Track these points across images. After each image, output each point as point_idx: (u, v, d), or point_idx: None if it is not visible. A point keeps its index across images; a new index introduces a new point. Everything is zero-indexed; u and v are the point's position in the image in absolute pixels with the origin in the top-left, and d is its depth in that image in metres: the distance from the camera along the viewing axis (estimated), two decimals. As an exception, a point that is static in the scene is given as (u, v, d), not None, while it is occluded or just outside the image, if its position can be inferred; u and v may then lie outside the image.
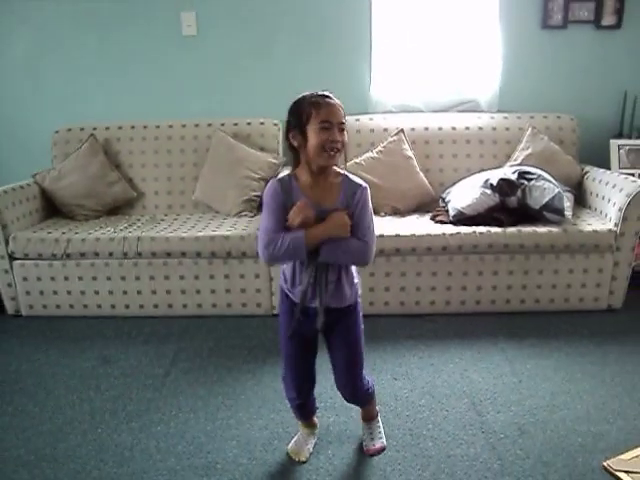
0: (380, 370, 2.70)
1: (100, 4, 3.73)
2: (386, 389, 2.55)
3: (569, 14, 3.62)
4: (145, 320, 3.25)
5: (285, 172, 1.92)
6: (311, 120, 1.76)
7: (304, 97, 1.81)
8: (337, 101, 1.80)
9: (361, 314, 2.02)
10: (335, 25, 3.68)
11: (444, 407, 2.42)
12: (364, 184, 1.86)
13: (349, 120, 3.59)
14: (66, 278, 3.21)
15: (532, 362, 2.73)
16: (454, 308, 3.17)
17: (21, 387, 2.66)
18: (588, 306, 3.17)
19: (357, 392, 2.09)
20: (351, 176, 1.88)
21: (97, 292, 3.22)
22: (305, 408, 2.18)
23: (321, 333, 1.98)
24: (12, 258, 3.22)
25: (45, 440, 2.30)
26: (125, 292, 3.22)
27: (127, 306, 3.24)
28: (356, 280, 1.97)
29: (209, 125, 3.69)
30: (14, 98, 3.94)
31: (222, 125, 3.67)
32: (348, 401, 2.14)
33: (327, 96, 1.80)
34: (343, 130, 1.78)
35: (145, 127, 3.73)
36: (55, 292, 3.24)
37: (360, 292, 2.01)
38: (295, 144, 1.82)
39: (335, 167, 1.86)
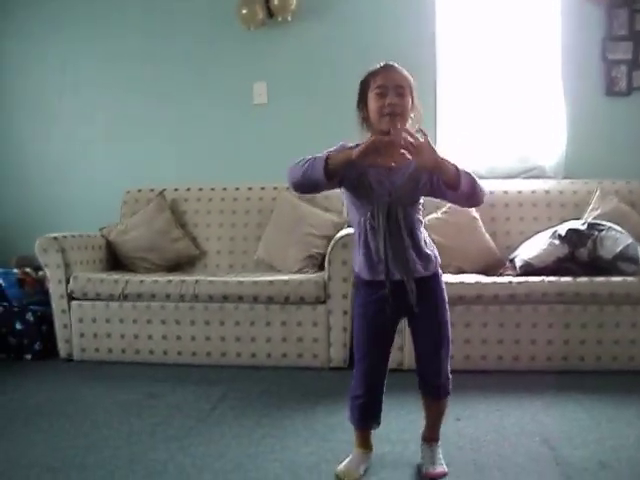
0: (441, 413, 2.48)
1: (179, 74, 4.01)
2: (448, 428, 2.26)
3: (633, 81, 3.62)
4: (196, 368, 3.14)
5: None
6: (370, 88, 1.82)
7: (367, 72, 1.86)
8: (399, 68, 1.83)
9: (444, 287, 1.91)
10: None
11: (512, 443, 2.17)
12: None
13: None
14: (121, 320, 3.18)
15: (612, 411, 2.44)
16: (523, 364, 2.93)
17: (61, 411, 2.58)
18: (673, 364, 2.88)
19: (441, 374, 1.93)
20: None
21: (150, 336, 3.16)
22: (369, 410, 1.97)
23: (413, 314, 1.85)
24: (71, 298, 3.24)
25: (76, 452, 2.17)
26: (179, 337, 3.14)
27: (179, 352, 3.16)
28: (433, 246, 1.89)
29: (275, 188, 3.75)
30: (93, 159, 4.18)
31: (287, 189, 3.71)
32: (431, 388, 1.96)
33: (387, 64, 1.84)
34: (403, 95, 1.79)
35: (213, 189, 3.84)
36: (109, 335, 3.20)
37: (440, 262, 1.92)
38: (362, 116, 1.87)
39: None
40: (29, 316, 3.30)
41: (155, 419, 2.47)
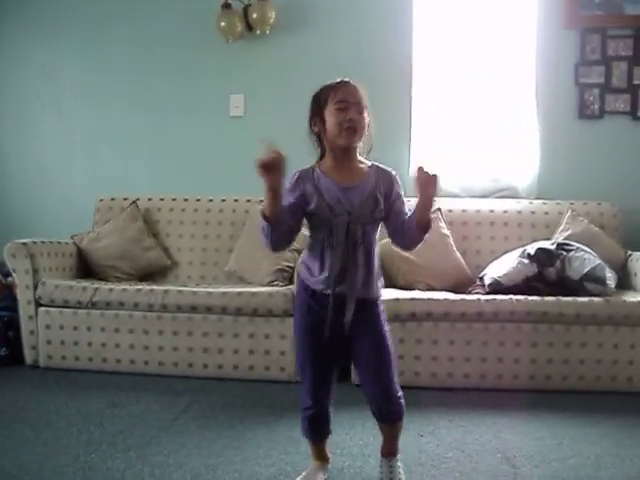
0: (405, 428, 2.35)
1: (157, 84, 4.02)
2: (410, 443, 2.28)
3: (605, 105, 3.69)
4: (163, 378, 3.10)
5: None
6: (328, 102, 1.82)
7: (323, 86, 1.87)
8: (357, 85, 1.84)
9: (385, 312, 1.90)
10: (377, 109, 3.78)
11: (473, 460, 2.16)
12: (391, 170, 1.90)
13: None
14: (89, 328, 3.15)
15: (575, 429, 2.45)
16: (490, 383, 2.93)
17: (23, 418, 2.54)
18: (637, 387, 2.89)
19: (392, 399, 1.88)
20: (379, 164, 1.90)
21: (118, 345, 3.13)
22: (319, 421, 1.95)
23: (345, 333, 1.83)
24: (38, 304, 3.20)
25: (34, 459, 2.13)
26: (146, 347, 3.11)
27: (146, 362, 3.12)
28: (379, 274, 1.89)
29: (248, 201, 3.75)
30: (66, 165, 4.17)
31: (261, 201, 3.70)
32: (379, 413, 1.92)
33: (344, 79, 1.85)
34: (362, 112, 1.80)
35: (186, 199, 3.83)
36: (76, 343, 3.16)
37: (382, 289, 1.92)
38: (316, 130, 1.86)
39: (361, 157, 1.88)
40: (-5, 321, 3.25)
41: (116, 428, 2.43)
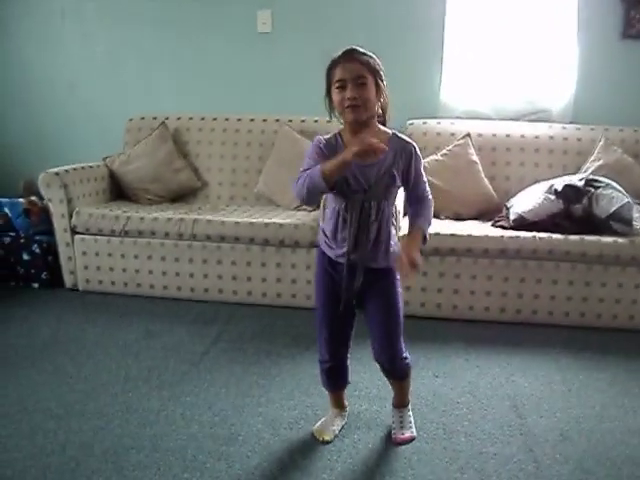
0: (422, 367, 2.58)
1: (179, 2, 3.90)
2: (426, 385, 2.44)
3: (652, 24, 3.47)
4: (195, 303, 3.28)
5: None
6: (332, 81, 1.81)
7: (333, 58, 1.83)
8: (360, 55, 1.80)
9: (399, 279, 1.95)
10: (408, 26, 3.67)
11: (483, 406, 2.29)
12: (411, 142, 1.87)
13: (416, 123, 3.55)
14: (122, 255, 3.29)
15: (586, 373, 2.55)
16: (509, 316, 3.02)
17: (64, 350, 2.73)
18: (656, 325, 2.96)
19: (396, 359, 2.00)
20: (400, 134, 1.88)
21: (151, 272, 3.28)
22: (336, 374, 2.10)
23: (357, 298, 1.93)
24: (74, 232, 3.34)
25: (77, 397, 2.33)
26: (178, 274, 3.26)
27: (179, 288, 3.28)
28: (393, 242, 1.92)
29: (277, 120, 3.73)
30: (95, 85, 4.15)
31: (289, 121, 3.69)
32: (386, 371, 2.05)
33: (348, 51, 1.81)
34: (363, 84, 1.76)
35: (215, 119, 3.82)
36: (111, 268, 3.32)
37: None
38: (330, 106, 1.86)
39: (379, 125, 1.87)
40: (35, 247, 3.41)
41: (151, 362, 2.62)
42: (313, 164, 1.81)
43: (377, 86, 1.80)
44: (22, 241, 3.43)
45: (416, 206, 1.91)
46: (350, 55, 1.79)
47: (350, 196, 1.82)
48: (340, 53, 1.81)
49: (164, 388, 2.41)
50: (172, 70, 4.02)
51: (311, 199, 1.85)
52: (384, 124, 1.89)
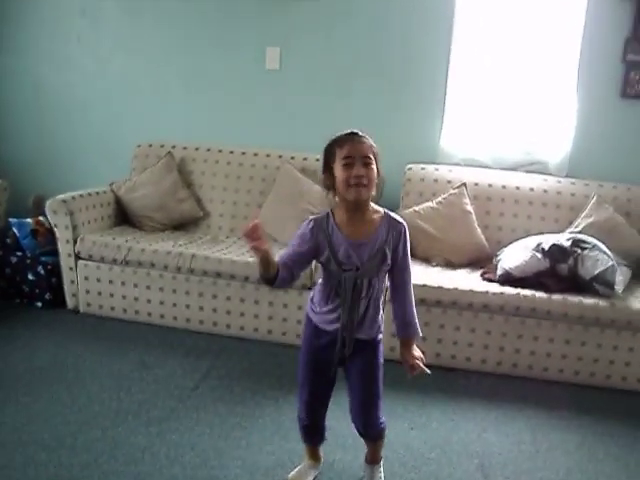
0: (399, 417, 2.70)
1: (194, 33, 4.02)
2: (400, 437, 2.55)
3: (651, 85, 3.55)
4: (189, 334, 3.39)
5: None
6: (336, 158, 1.88)
7: (333, 138, 1.92)
8: (364, 137, 1.90)
9: (382, 350, 2.08)
10: (412, 73, 3.78)
11: (452, 464, 2.40)
12: (401, 221, 1.97)
13: (414, 168, 3.64)
14: (123, 283, 3.41)
15: (556, 434, 2.65)
16: (489, 367, 3.11)
17: (62, 378, 2.86)
18: (631, 386, 3.03)
19: (371, 425, 2.12)
20: (391, 214, 1.98)
21: (149, 300, 3.40)
22: (313, 432, 2.23)
23: (340, 365, 2.05)
24: (78, 257, 3.46)
25: (69, 429, 2.46)
26: (175, 304, 3.38)
27: (175, 318, 3.40)
28: (380, 315, 2.03)
29: (280, 157, 3.84)
30: (106, 109, 4.28)
31: (292, 158, 3.81)
32: (360, 433, 2.16)
33: (352, 133, 1.90)
34: (369, 165, 1.86)
35: (220, 151, 3.93)
36: (111, 294, 3.45)
37: (382, 330, 2.08)
38: (328, 183, 1.94)
39: (372, 204, 1.95)
40: (40, 269, 3.53)
41: (142, 396, 2.75)
42: (296, 245, 1.94)
43: (377, 170, 1.90)
44: (28, 261, 3.56)
45: (402, 295, 2.01)
46: (357, 136, 1.88)
47: (342, 274, 1.91)
48: (344, 134, 1.90)
49: (152, 424, 2.53)
50: (182, 98, 4.14)
51: (272, 287, 2.04)
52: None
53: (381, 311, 2.04)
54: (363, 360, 2.03)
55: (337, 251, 1.91)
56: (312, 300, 2.06)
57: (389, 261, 1.93)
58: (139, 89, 4.20)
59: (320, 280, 2.05)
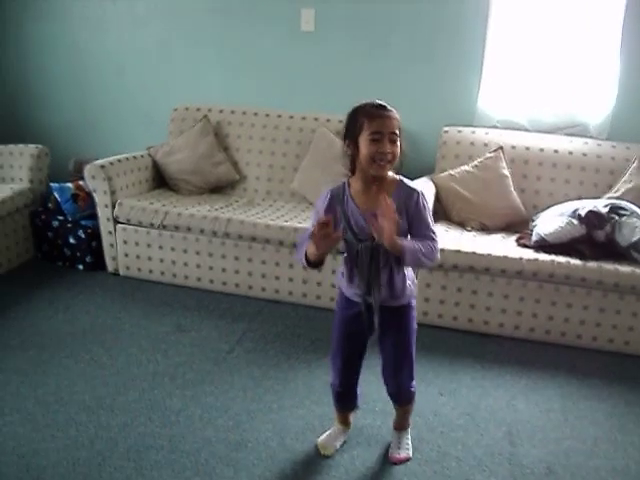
0: (429, 383, 2.74)
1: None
2: (429, 403, 2.59)
3: (700, 43, 3.37)
4: (225, 296, 3.47)
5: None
6: (363, 131, 1.86)
7: (359, 107, 1.91)
8: (392, 112, 1.88)
9: (414, 315, 2.10)
10: (449, 33, 3.67)
11: (480, 430, 2.43)
12: (419, 189, 1.95)
13: (451, 131, 3.59)
14: (160, 247, 3.49)
15: (586, 403, 2.65)
16: (522, 334, 3.11)
17: (101, 340, 2.97)
18: (667, 355, 3.01)
19: (401, 389, 2.18)
20: (406, 181, 1.97)
21: (186, 264, 3.48)
22: (345, 398, 2.28)
23: (371, 333, 2.08)
24: (116, 222, 3.55)
25: (108, 391, 2.57)
26: (211, 268, 3.45)
27: (211, 281, 3.48)
28: (409, 281, 2.04)
29: (315, 119, 3.83)
30: (142, 72, 4.30)
31: (327, 121, 3.79)
32: (391, 396, 2.22)
33: (381, 106, 1.88)
34: (395, 141, 1.86)
35: (256, 114, 3.94)
36: (149, 258, 3.54)
37: (415, 294, 2.09)
38: (349, 153, 1.93)
39: (390, 174, 1.95)
40: (80, 232, 3.63)
41: (178, 358, 2.84)
42: (316, 217, 1.95)
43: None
44: (69, 225, 3.66)
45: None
46: (386, 110, 1.86)
47: (358, 244, 1.93)
48: (372, 105, 1.87)
49: (187, 387, 2.63)
50: (218, 61, 4.13)
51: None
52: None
53: (410, 276, 2.04)
54: (395, 326, 2.07)
55: (352, 222, 1.93)
56: (342, 273, 2.09)
57: (405, 227, 1.93)
58: (175, 52, 4.19)
59: (344, 254, 2.06)
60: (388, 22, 3.73)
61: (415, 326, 2.11)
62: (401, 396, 2.22)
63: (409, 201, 1.92)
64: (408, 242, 1.89)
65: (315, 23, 3.86)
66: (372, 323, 2.02)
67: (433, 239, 1.93)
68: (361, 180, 1.93)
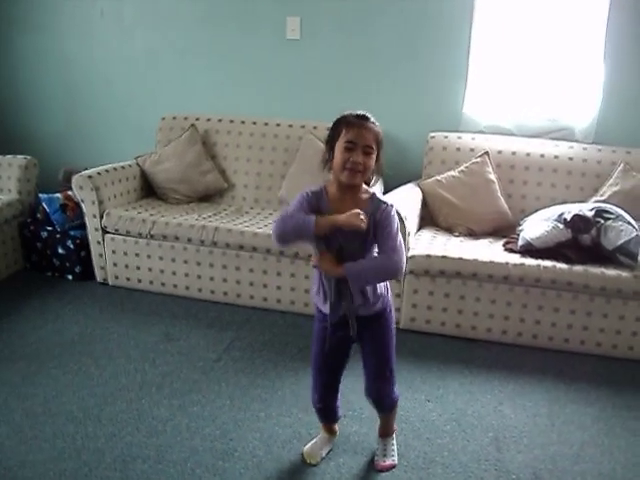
0: (416, 389, 2.74)
1: (214, 4, 4.00)
2: (416, 409, 2.60)
3: (683, 47, 3.39)
4: (214, 305, 3.48)
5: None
6: (340, 137, 1.89)
7: (343, 116, 1.93)
8: (371, 125, 1.89)
9: (392, 321, 2.10)
10: (434, 39, 3.69)
11: (466, 437, 2.43)
12: (390, 203, 1.95)
13: (437, 137, 3.59)
14: (148, 256, 3.50)
15: (573, 407, 2.65)
16: (510, 338, 3.12)
17: (90, 350, 2.97)
18: (653, 358, 3.02)
19: (382, 396, 2.19)
20: (380, 195, 1.99)
21: (174, 273, 3.48)
22: (325, 413, 2.29)
23: (349, 343, 2.10)
24: (105, 231, 3.55)
25: (96, 401, 2.57)
26: (199, 276, 3.45)
27: (200, 289, 3.48)
28: (381, 289, 2.03)
29: (302, 127, 3.85)
30: (130, 82, 4.31)
31: (314, 128, 3.80)
32: (373, 404, 2.23)
33: (362, 117, 1.89)
34: (369, 154, 1.87)
35: (243, 122, 3.95)
36: (138, 267, 3.54)
37: (391, 300, 2.09)
38: (325, 158, 1.95)
39: (365, 187, 1.96)
40: (69, 243, 3.63)
41: (166, 367, 2.84)
42: (298, 204, 1.93)
43: (377, 156, 1.91)
44: (58, 236, 3.66)
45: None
46: (365, 122, 1.88)
47: (328, 251, 1.93)
48: (355, 115, 1.89)
49: (175, 396, 2.63)
50: (205, 70, 4.14)
51: (287, 239, 1.95)
52: (367, 184, 1.99)
53: (382, 284, 2.04)
54: (373, 334, 2.07)
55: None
56: (314, 290, 2.08)
57: (372, 241, 1.94)
58: (162, 62, 4.20)
59: (315, 271, 2.05)
60: (373, 29, 3.75)
61: (393, 332, 2.11)
62: (383, 403, 2.22)
63: (377, 212, 1.91)
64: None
65: (301, 31, 3.87)
66: (349, 336, 2.02)
67: (391, 256, 1.89)
68: (336, 186, 1.94)
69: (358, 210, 1.84)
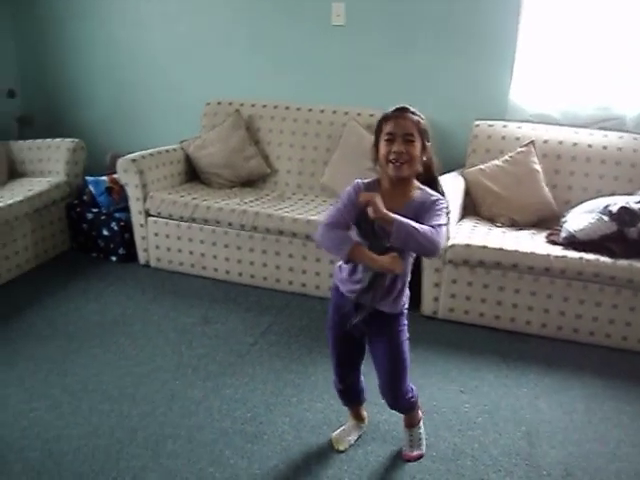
0: (451, 380, 2.71)
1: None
2: (449, 400, 2.57)
3: None
4: (253, 289, 3.51)
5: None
6: (381, 133, 1.90)
7: (384, 113, 1.93)
8: (409, 114, 1.88)
9: (405, 325, 2.07)
10: (481, 26, 3.60)
11: (498, 430, 2.40)
12: (439, 196, 1.91)
13: (482, 125, 3.52)
14: (190, 239, 3.55)
15: (611, 404, 2.58)
16: (549, 332, 3.05)
17: (129, 331, 3.05)
18: (701, 358, 2.91)
19: (398, 400, 2.16)
20: (429, 190, 1.94)
21: (215, 256, 3.53)
22: (347, 395, 2.29)
23: (362, 335, 2.08)
24: (148, 215, 3.62)
25: (132, 381, 2.64)
26: (239, 261, 3.49)
27: (240, 274, 3.52)
28: (405, 297, 2.03)
29: (346, 113, 3.82)
30: (176, 67, 4.34)
31: (358, 115, 3.78)
32: (390, 407, 2.20)
33: (400, 109, 1.90)
34: (411, 142, 1.85)
35: (287, 108, 3.95)
36: (180, 250, 3.60)
37: (407, 306, 2.07)
38: (373, 157, 1.96)
39: (416, 182, 1.94)
40: (113, 225, 3.73)
41: (203, 350, 2.89)
42: (344, 208, 1.91)
43: (423, 146, 1.89)
44: (103, 218, 3.76)
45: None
46: (402, 112, 1.88)
47: (374, 243, 1.91)
48: (393, 109, 1.90)
49: (209, 378, 2.67)
50: (249, 56, 4.14)
51: (329, 251, 1.99)
52: (433, 180, 1.97)
53: (407, 293, 2.04)
54: (386, 337, 2.05)
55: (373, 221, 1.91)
56: (340, 268, 2.06)
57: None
58: (207, 48, 4.22)
59: None
60: (419, 15, 3.68)
61: (407, 336, 2.07)
62: (400, 407, 2.21)
63: (426, 205, 1.88)
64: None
65: (346, 17, 3.83)
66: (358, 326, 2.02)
67: (436, 229, 1.82)
68: (388, 181, 1.93)
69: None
